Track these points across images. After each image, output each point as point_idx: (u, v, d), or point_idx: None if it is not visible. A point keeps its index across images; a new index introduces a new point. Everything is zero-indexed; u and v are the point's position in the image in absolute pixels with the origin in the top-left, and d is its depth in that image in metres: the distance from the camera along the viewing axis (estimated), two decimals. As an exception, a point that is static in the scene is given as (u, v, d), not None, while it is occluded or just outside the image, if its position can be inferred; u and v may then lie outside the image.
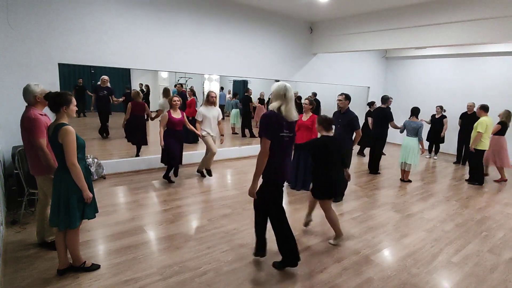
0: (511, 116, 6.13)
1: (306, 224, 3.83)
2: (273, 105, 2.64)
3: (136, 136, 6.37)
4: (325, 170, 3.27)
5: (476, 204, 5.09)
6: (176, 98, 5.06)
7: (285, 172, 2.74)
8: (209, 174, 5.66)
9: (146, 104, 6.55)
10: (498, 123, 6.16)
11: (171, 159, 5.06)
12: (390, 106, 7.70)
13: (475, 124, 5.93)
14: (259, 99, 10.44)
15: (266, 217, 2.88)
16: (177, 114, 5.04)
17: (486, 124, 5.77)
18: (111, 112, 8.32)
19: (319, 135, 3.47)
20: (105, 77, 7.74)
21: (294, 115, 2.67)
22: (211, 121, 5.31)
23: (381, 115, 6.43)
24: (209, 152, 5.41)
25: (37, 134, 2.74)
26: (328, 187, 3.28)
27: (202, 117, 5.27)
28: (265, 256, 3.07)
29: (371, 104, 8.31)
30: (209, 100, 5.36)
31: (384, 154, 7.74)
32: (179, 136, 5.13)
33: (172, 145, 4.97)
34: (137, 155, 6.27)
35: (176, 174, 5.44)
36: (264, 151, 2.56)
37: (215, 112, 5.38)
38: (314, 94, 9.97)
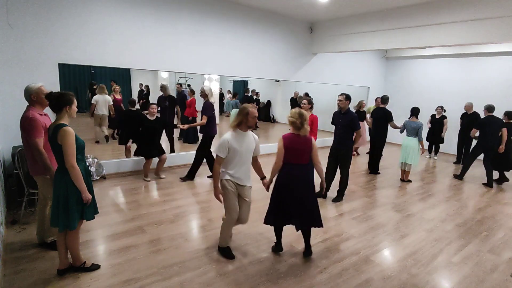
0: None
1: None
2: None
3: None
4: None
5: (476, 204, 5.09)
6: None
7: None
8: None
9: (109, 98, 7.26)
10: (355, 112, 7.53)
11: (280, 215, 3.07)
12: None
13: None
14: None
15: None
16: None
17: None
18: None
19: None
20: (166, 84, 6.61)
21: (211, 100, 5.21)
22: (242, 157, 2.94)
23: (381, 115, 6.43)
24: (232, 219, 3.04)
25: (33, 134, 2.71)
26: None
27: (228, 150, 2.89)
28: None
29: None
30: (248, 121, 2.92)
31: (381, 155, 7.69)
32: (302, 176, 3.00)
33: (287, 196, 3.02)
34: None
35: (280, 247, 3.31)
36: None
37: (249, 142, 2.97)
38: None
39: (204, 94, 5.19)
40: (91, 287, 2.58)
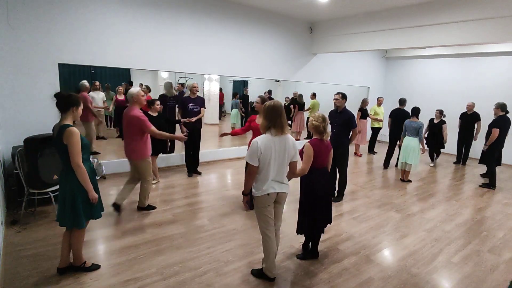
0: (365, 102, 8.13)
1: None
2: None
3: None
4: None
5: (476, 204, 5.09)
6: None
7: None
8: None
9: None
10: (359, 110, 7.95)
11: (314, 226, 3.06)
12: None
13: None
14: (292, 99, 9.69)
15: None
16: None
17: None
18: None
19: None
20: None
21: (194, 96, 5.51)
22: (271, 164, 2.48)
23: (401, 116, 6.77)
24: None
25: (148, 125, 3.66)
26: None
27: (259, 155, 2.45)
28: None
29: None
30: (280, 123, 2.48)
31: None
32: (328, 178, 3.08)
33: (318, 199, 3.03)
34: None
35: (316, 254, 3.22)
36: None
37: (289, 142, 2.53)
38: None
39: (196, 91, 5.57)
40: (91, 287, 2.58)
